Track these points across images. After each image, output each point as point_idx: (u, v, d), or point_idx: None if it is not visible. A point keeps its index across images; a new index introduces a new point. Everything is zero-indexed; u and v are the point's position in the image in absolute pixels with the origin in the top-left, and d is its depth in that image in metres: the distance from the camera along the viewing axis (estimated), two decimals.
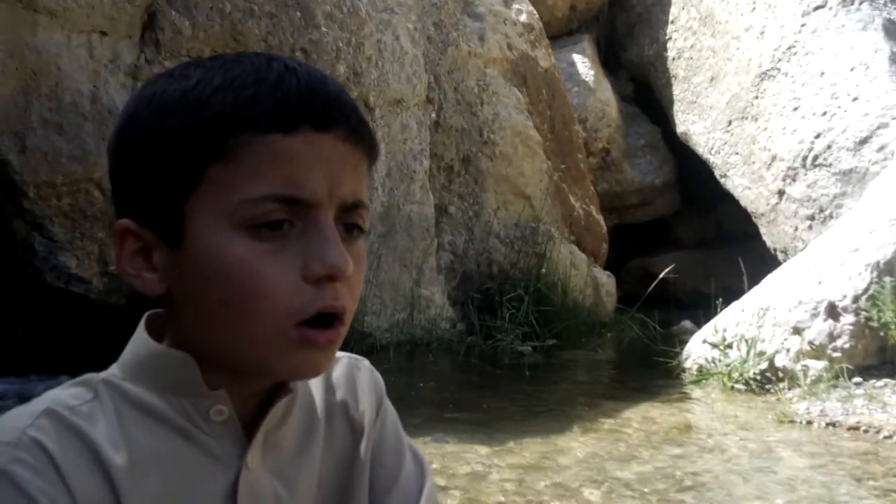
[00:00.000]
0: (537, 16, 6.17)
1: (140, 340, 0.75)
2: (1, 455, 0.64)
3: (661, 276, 5.13)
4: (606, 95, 7.08)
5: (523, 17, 5.98)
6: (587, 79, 6.98)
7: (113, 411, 0.71)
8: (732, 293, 4.22)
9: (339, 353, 0.86)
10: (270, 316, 0.69)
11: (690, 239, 7.80)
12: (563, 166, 5.83)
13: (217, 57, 0.73)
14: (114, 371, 0.74)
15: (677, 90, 6.94)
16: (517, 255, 5.26)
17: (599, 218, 6.20)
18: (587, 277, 5.65)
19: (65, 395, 0.71)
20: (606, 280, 5.93)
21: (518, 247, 5.28)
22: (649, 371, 4.12)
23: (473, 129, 5.33)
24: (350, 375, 0.85)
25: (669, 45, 7.07)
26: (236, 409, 0.74)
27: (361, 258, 0.74)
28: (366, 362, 0.88)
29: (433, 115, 5.16)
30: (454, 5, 5.47)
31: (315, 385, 0.83)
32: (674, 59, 7.02)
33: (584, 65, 7.04)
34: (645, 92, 7.57)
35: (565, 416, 3.25)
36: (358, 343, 4.00)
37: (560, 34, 7.33)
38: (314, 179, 0.69)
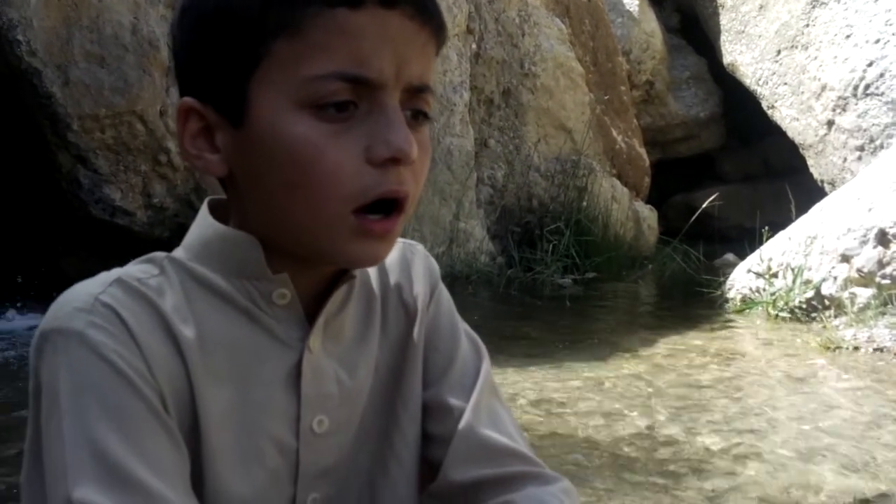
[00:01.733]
0: None
1: (205, 223, 0.74)
2: (76, 320, 0.65)
3: (703, 206, 5.06)
4: (651, 26, 6.92)
5: None
6: (631, 9, 6.82)
7: (180, 287, 0.71)
8: (778, 227, 4.15)
9: None
10: (333, 199, 0.67)
11: (735, 173, 7.66)
12: (605, 99, 5.73)
13: None
14: (178, 252, 0.74)
15: (724, 20, 6.75)
16: (557, 189, 5.21)
17: (642, 151, 6.11)
18: (628, 211, 5.59)
19: (133, 269, 0.71)
20: (648, 214, 5.87)
21: (558, 180, 5.23)
22: (692, 301, 4.09)
23: (514, 61, 5.25)
24: (404, 259, 0.85)
25: None
26: (298, 293, 0.74)
27: (427, 145, 0.72)
28: (420, 247, 0.87)
29: (473, 46, 5.08)
30: None
31: (371, 271, 0.82)
32: None
33: None
34: (691, 22, 7.37)
35: (608, 344, 3.25)
36: None
37: None
38: (381, 58, 0.67)
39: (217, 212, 0.75)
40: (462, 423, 0.80)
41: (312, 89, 0.66)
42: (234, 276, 0.72)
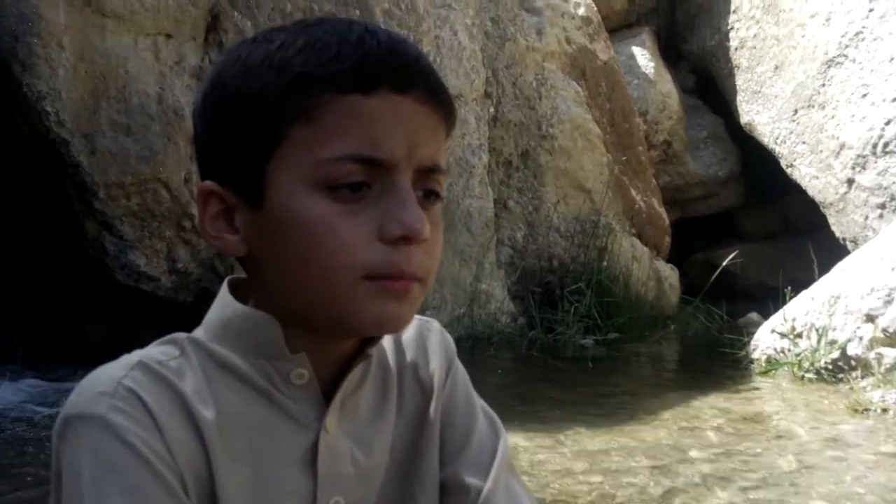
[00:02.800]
0: (595, 9, 6.11)
1: (225, 302, 0.76)
2: (99, 404, 0.67)
3: (724, 264, 5.03)
4: (667, 87, 6.98)
5: (581, 11, 5.93)
6: (647, 71, 6.89)
7: (200, 369, 0.72)
8: (800, 285, 4.12)
9: None
10: (345, 269, 0.69)
11: (756, 231, 7.63)
12: (623, 159, 5.77)
13: (299, 21, 0.74)
14: (198, 332, 0.76)
15: (740, 80, 6.80)
16: (578, 249, 5.21)
17: (661, 211, 6.11)
18: (649, 270, 5.57)
19: (154, 352, 0.73)
20: (669, 273, 5.85)
21: (578, 240, 5.24)
22: (716, 362, 4.04)
23: (532, 124, 5.31)
24: (420, 337, 0.85)
25: (732, 34, 6.94)
26: (316, 373, 0.75)
27: (439, 222, 0.74)
28: (436, 324, 0.88)
29: (491, 109, 5.15)
30: (511, 0, 5.46)
31: (387, 348, 0.83)
32: (736, 48, 6.89)
33: (644, 57, 6.95)
34: (707, 83, 7.44)
35: (631, 406, 3.21)
36: None
37: (619, 27, 7.25)
38: (393, 140, 0.69)
39: (237, 291, 0.77)
40: None
41: (327, 171, 0.69)
42: (252, 356, 0.74)
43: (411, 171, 0.71)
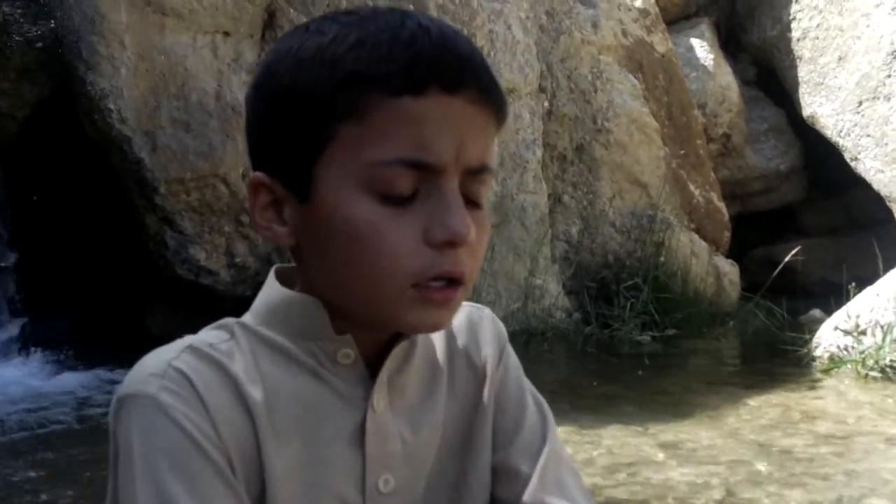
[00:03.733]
0: (653, 0, 6.03)
1: (272, 289, 0.78)
2: (150, 384, 0.68)
3: (785, 259, 4.92)
4: (727, 79, 6.85)
5: (638, 3, 5.86)
6: (706, 63, 6.77)
7: (249, 351, 0.74)
8: (864, 281, 4.00)
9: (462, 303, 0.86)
10: (391, 276, 0.70)
11: (818, 226, 7.44)
12: (681, 153, 5.68)
13: (352, 12, 0.74)
14: (247, 317, 0.78)
15: (803, 72, 6.64)
16: (634, 244, 5.15)
17: (721, 205, 6.00)
18: (708, 266, 5.48)
19: (205, 336, 0.75)
20: (729, 268, 5.74)
21: (635, 235, 5.18)
22: (777, 360, 3.96)
23: (587, 117, 5.26)
24: (471, 323, 0.86)
25: (794, 25, 6.77)
26: (361, 353, 0.76)
27: (484, 224, 0.74)
28: (487, 311, 0.88)
29: (546, 103, 5.12)
30: None
31: (437, 333, 0.83)
32: (798, 39, 6.72)
33: (703, 49, 6.83)
34: (768, 75, 7.27)
35: (688, 403, 3.17)
36: None
37: (677, 18, 7.13)
38: (441, 143, 0.69)
39: (283, 278, 0.78)
40: (528, 491, 0.79)
41: (375, 173, 0.69)
42: (299, 338, 0.75)
43: (458, 173, 0.71)
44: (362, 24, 0.71)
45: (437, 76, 0.69)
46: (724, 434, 2.69)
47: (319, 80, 0.70)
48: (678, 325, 4.74)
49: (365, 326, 0.75)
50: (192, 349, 0.71)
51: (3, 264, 3.78)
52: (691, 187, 5.71)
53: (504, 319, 3.88)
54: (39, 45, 3.80)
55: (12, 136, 3.85)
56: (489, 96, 0.72)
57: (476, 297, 4.29)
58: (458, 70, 0.70)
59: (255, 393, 0.71)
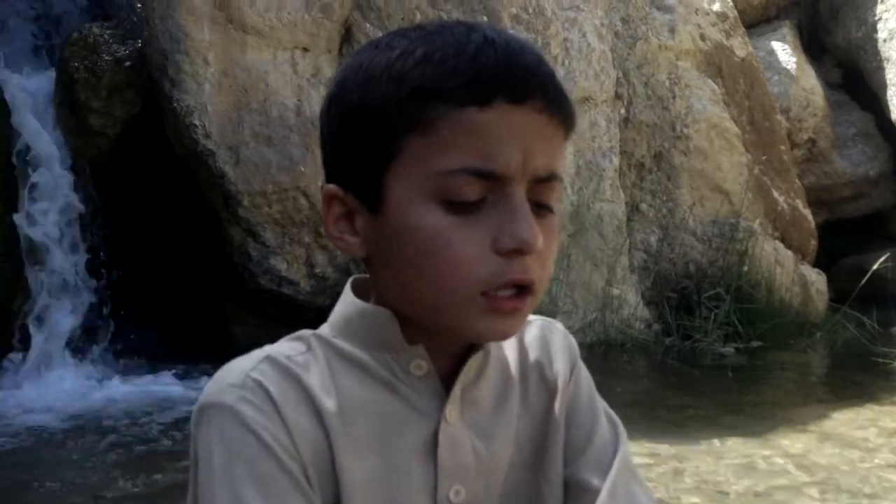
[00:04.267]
0: (731, 4, 5.90)
1: (347, 301, 0.79)
2: (228, 394, 0.71)
3: (874, 268, 4.74)
4: (810, 83, 6.66)
5: (716, 6, 5.75)
6: (788, 66, 6.60)
7: (324, 362, 0.75)
8: None
9: (533, 317, 0.87)
10: (460, 284, 0.71)
11: None
12: (764, 158, 5.54)
13: (421, 27, 0.76)
14: (324, 329, 0.79)
15: (890, 74, 6.41)
16: (716, 253, 5.04)
17: (806, 213, 5.82)
18: (794, 275, 5.32)
19: (283, 347, 0.77)
20: (816, 278, 5.56)
21: (716, 244, 5.06)
22: (866, 373, 3.82)
23: (665, 124, 5.18)
24: (543, 337, 0.86)
25: (880, 26, 6.55)
26: (434, 365, 0.77)
27: (553, 232, 0.75)
28: (559, 325, 0.88)
29: (622, 111, 5.06)
30: None
31: (509, 347, 0.84)
32: (885, 40, 6.50)
33: (785, 52, 6.66)
34: (854, 77, 7.04)
35: (773, 416, 3.08)
36: None
37: (758, 22, 6.97)
38: (507, 153, 0.70)
39: (360, 290, 0.80)
40: None
41: (442, 183, 0.70)
42: (373, 349, 0.76)
43: (526, 181, 0.71)
44: (429, 38, 0.72)
45: (502, 88, 0.70)
46: (810, 448, 2.61)
47: (387, 94, 0.71)
48: (763, 336, 4.61)
49: (435, 336, 0.76)
50: (270, 360, 0.73)
51: (97, 281, 3.94)
52: (775, 194, 5.56)
53: (581, 330, 3.85)
54: (128, 64, 3.95)
55: (104, 152, 4.01)
56: (556, 106, 0.72)
57: (552, 307, 4.26)
58: (523, 81, 0.71)
59: (330, 404, 0.72)
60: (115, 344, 3.91)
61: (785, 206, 5.61)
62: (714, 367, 4.19)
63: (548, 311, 4.14)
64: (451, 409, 0.76)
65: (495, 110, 0.69)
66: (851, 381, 3.88)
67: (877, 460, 2.49)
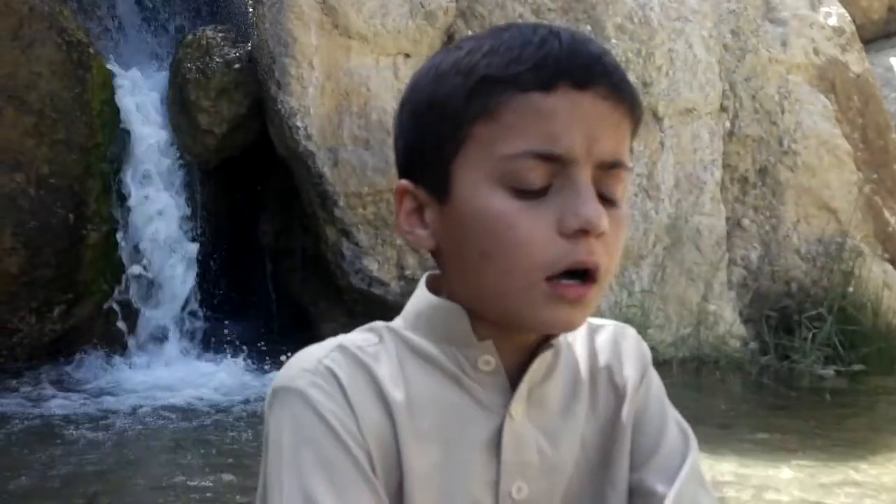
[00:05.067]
0: (849, 18, 5.68)
1: (420, 295, 0.81)
2: (301, 379, 0.73)
3: None
4: None
5: (832, 20, 5.54)
6: None
7: (395, 354, 0.77)
8: None
9: (605, 321, 0.86)
10: (525, 267, 0.71)
11: None
12: (875, 177, 5.31)
13: (491, 28, 0.78)
14: (397, 321, 0.81)
15: None
16: (820, 272, 4.85)
17: None
18: None
19: (356, 337, 0.79)
20: None
21: (821, 263, 4.88)
22: None
23: (772, 139, 5.02)
24: (615, 341, 0.85)
25: None
26: (503, 361, 0.77)
27: (621, 222, 0.74)
28: (631, 330, 0.87)
29: (727, 123, 4.94)
30: (754, 11, 5.21)
31: (579, 349, 0.84)
32: None
33: None
34: None
35: (870, 443, 2.95)
36: None
37: (876, 37, 6.69)
38: (570, 136, 0.71)
39: (432, 285, 0.81)
40: None
41: (507, 167, 0.71)
42: (443, 343, 0.77)
43: (591, 166, 0.72)
44: (496, 34, 0.74)
45: (566, 73, 0.70)
46: None
47: (455, 87, 0.73)
48: (866, 360, 4.42)
49: (505, 331, 0.76)
50: (342, 349, 0.75)
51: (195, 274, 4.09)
52: (887, 214, 5.31)
53: (673, 344, 3.78)
54: (237, 66, 4.10)
55: (210, 150, 4.17)
56: (620, 93, 0.72)
57: (644, 319, 4.19)
58: (587, 67, 0.71)
59: (398, 395, 0.74)
60: (210, 337, 4.05)
61: None
62: (811, 389, 4.04)
63: (640, 323, 4.07)
64: (517, 406, 0.77)
65: (559, 95, 0.70)
66: None
67: None
